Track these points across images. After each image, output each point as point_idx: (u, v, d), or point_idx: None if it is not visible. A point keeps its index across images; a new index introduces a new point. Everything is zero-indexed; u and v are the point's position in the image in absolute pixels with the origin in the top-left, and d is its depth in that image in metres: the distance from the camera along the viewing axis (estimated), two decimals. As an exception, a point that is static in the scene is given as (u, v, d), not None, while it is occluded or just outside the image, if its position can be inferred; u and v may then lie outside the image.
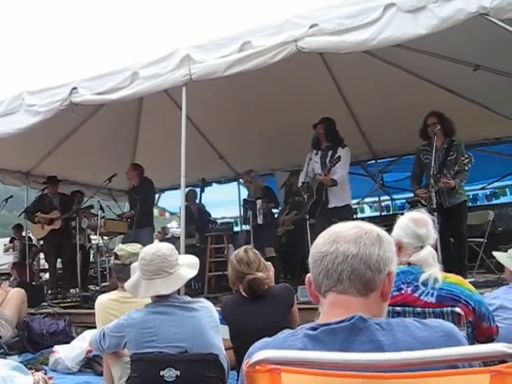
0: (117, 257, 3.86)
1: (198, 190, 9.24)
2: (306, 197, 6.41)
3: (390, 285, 1.33)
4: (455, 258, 5.96)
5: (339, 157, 6.21)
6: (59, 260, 9.15)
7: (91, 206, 8.44)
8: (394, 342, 1.18)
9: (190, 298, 3.14)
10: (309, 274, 1.40)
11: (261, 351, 1.08)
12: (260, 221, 7.74)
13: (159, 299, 3.01)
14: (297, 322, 3.48)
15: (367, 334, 1.20)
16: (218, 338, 3.04)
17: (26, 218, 8.86)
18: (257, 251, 3.63)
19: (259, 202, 7.75)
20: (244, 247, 3.67)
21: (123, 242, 6.85)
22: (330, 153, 6.57)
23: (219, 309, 3.52)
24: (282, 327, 1.36)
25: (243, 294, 3.50)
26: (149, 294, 3.02)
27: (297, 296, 3.93)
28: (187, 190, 9.54)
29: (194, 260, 3.29)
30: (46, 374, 1.96)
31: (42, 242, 9.51)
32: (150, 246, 3.19)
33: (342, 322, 1.22)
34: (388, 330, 1.22)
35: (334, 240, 1.34)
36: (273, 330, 1.39)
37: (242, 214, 7.95)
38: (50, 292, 8.69)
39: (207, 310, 3.06)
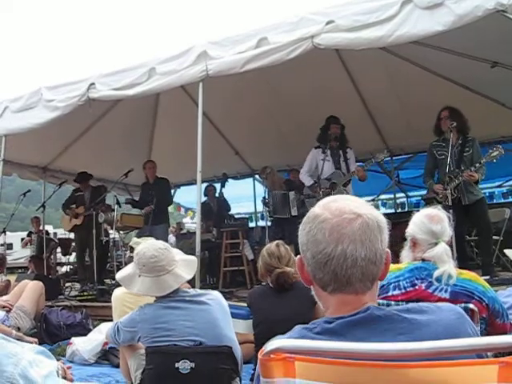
0: (132, 249, 3.91)
1: (217, 185, 9.26)
2: (321, 193, 6.43)
3: (387, 265, 1.28)
4: (482, 255, 6.00)
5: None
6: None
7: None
8: (416, 328, 1.16)
9: (198, 291, 3.17)
10: (300, 256, 1.31)
11: (276, 340, 1.11)
12: (295, 212, 7.69)
13: (168, 294, 3.04)
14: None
15: (387, 321, 1.18)
16: (230, 328, 3.05)
17: (63, 210, 8.97)
18: (288, 246, 3.69)
19: (292, 193, 7.74)
20: (276, 242, 3.74)
21: (138, 237, 6.91)
22: (340, 152, 6.74)
23: (233, 303, 3.57)
24: (304, 321, 1.36)
25: (271, 285, 3.59)
26: (161, 293, 3.02)
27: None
28: (206, 185, 9.60)
29: (189, 257, 3.35)
30: (64, 364, 2.00)
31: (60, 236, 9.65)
32: (148, 243, 3.18)
33: (356, 314, 1.19)
34: (407, 316, 1.19)
35: (337, 238, 1.21)
36: (294, 322, 1.39)
37: (266, 208, 7.90)
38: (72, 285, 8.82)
39: (217, 302, 3.08)
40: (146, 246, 3.12)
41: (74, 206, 8.62)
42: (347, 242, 1.21)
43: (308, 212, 1.32)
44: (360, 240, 1.21)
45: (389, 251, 1.28)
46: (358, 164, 6.86)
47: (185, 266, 3.15)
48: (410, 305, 1.28)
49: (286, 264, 3.55)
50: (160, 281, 2.98)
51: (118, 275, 3.22)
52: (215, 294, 3.17)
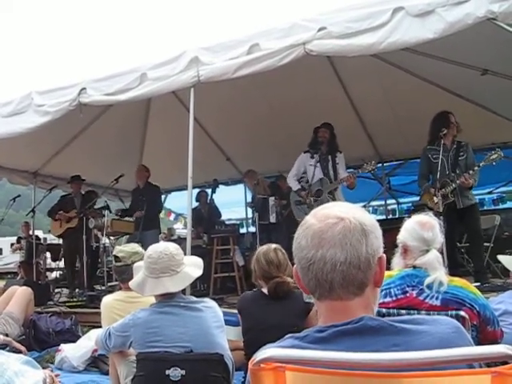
0: (117, 259, 3.88)
1: (208, 191, 9.25)
2: (312, 199, 6.43)
3: (382, 271, 1.26)
4: (474, 261, 6.04)
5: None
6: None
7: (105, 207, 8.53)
8: (410, 340, 1.14)
9: (194, 298, 3.15)
10: (296, 266, 1.31)
11: (266, 349, 1.09)
12: (273, 219, 7.61)
13: (164, 299, 3.02)
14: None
15: (380, 332, 1.16)
16: (222, 337, 3.05)
17: (48, 216, 8.94)
18: (284, 252, 3.64)
19: (272, 199, 7.69)
20: (273, 246, 3.66)
21: (129, 243, 6.88)
22: (329, 157, 6.71)
23: (224, 310, 3.54)
24: (294, 330, 1.34)
25: (263, 291, 3.55)
26: (156, 292, 3.03)
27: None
28: (198, 191, 9.58)
29: (198, 260, 3.32)
30: (52, 371, 1.98)
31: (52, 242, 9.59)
32: (157, 244, 3.19)
33: (348, 323, 1.18)
34: (401, 328, 1.17)
35: (318, 244, 1.23)
36: (284, 331, 1.38)
37: (251, 214, 7.87)
38: (61, 290, 8.78)
39: (212, 310, 3.07)
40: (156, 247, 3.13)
41: (61, 212, 8.59)
42: (327, 247, 1.21)
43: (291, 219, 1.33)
44: (340, 244, 1.21)
45: (382, 255, 1.26)
46: (348, 170, 6.87)
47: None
48: (406, 316, 1.27)
49: (284, 271, 3.51)
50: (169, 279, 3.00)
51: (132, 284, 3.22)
52: (211, 302, 3.16)
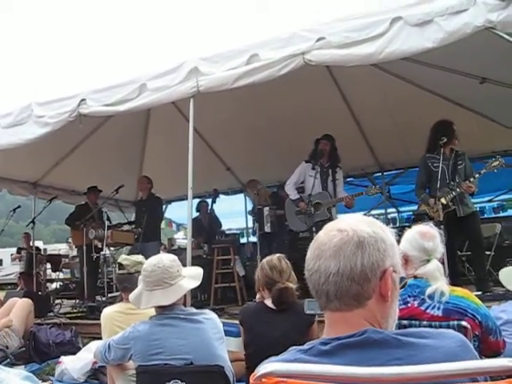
0: (121, 267, 3.86)
1: (208, 201, 9.26)
2: (313, 209, 6.43)
3: (387, 284, 1.23)
4: (475, 270, 6.04)
5: None
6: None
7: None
8: (414, 354, 1.13)
9: (194, 310, 3.14)
10: None
11: (268, 364, 1.08)
12: (268, 229, 7.63)
13: (164, 311, 3.01)
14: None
15: (384, 346, 1.15)
16: (223, 349, 3.03)
17: (68, 225, 8.96)
18: (288, 261, 3.62)
19: (266, 209, 7.69)
20: (277, 255, 3.65)
21: (129, 255, 6.86)
22: (329, 171, 6.76)
23: (224, 320, 3.51)
24: (297, 344, 1.32)
25: (266, 303, 3.52)
26: (149, 305, 3.02)
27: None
28: (199, 201, 9.58)
29: (197, 271, 3.28)
30: (52, 384, 1.97)
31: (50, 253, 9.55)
32: (153, 257, 3.16)
33: (352, 336, 1.17)
34: (406, 341, 1.16)
35: (317, 255, 1.25)
36: (287, 345, 1.37)
37: (252, 224, 7.88)
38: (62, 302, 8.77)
39: (212, 322, 3.06)
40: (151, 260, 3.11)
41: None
42: (323, 259, 1.24)
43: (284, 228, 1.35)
44: (334, 256, 1.22)
45: (387, 269, 1.24)
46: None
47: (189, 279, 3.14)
48: (412, 329, 1.26)
49: (287, 279, 3.48)
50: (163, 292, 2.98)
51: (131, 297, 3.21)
52: (211, 314, 3.14)
